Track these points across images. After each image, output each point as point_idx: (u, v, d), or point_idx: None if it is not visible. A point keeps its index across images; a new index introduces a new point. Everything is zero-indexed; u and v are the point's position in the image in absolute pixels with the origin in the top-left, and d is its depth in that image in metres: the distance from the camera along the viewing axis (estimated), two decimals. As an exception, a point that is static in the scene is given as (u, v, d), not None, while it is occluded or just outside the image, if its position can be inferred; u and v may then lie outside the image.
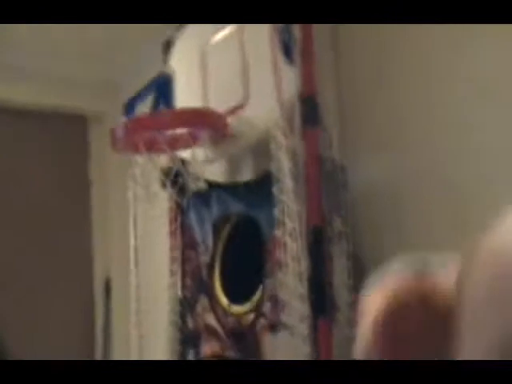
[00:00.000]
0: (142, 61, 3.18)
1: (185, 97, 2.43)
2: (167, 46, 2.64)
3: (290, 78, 1.99)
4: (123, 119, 2.19)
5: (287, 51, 1.96)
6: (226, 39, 2.27)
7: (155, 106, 2.57)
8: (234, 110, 2.19)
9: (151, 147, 2.20)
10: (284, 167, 1.99)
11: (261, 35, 2.07)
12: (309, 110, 1.96)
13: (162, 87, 2.56)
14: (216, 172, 2.40)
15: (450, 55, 1.80)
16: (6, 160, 3.24)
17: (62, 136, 3.38)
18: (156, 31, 2.87)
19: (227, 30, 2.26)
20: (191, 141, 2.20)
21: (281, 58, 1.99)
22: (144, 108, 2.64)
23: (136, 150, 2.21)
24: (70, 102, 3.29)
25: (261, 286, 2.14)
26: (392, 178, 1.98)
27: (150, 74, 2.93)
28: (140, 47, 3.11)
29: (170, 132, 2.23)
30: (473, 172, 1.73)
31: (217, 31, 2.30)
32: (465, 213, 1.73)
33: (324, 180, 1.96)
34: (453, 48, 1.79)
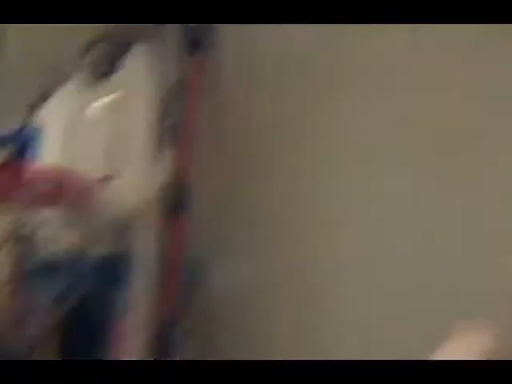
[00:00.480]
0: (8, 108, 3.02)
1: (52, 156, 2.31)
2: (41, 99, 2.52)
3: (165, 160, 1.96)
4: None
5: (165, 132, 1.94)
6: (107, 104, 2.21)
7: (15, 158, 2.41)
8: (102, 179, 2.12)
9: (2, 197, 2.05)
10: (142, 251, 1.93)
11: (142, 109, 2.05)
12: (177, 196, 1.93)
13: (26, 140, 2.42)
14: (70, 238, 2.27)
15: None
16: None
17: None
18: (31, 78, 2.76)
19: (109, 97, 2.20)
20: (50, 201, 2.08)
21: (158, 138, 1.96)
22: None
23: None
24: None
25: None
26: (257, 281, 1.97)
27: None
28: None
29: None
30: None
31: (98, 95, 2.24)
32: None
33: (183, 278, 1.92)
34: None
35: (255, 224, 2.01)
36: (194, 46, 1.99)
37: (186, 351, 1.91)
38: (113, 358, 1.91)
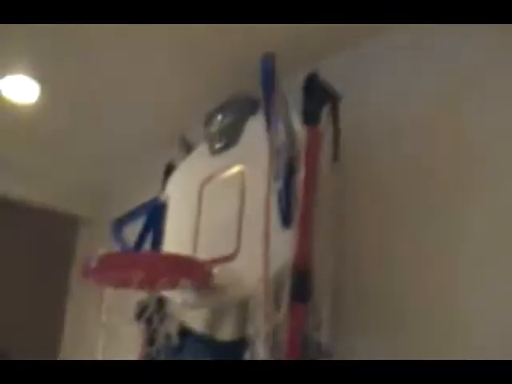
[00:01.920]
0: (143, 173, 3.07)
1: (175, 232, 2.26)
2: (169, 169, 2.50)
3: (285, 243, 1.80)
4: (99, 253, 1.99)
5: (285, 216, 1.78)
6: (226, 181, 2.11)
7: (143, 232, 2.40)
8: (221, 260, 2.01)
9: (125, 283, 2.01)
10: (261, 333, 1.77)
11: (262, 185, 1.91)
12: (299, 284, 1.75)
13: (154, 214, 2.40)
14: (195, 320, 2.18)
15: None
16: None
17: (51, 235, 3.25)
18: (159, 147, 2.77)
19: (229, 172, 2.10)
20: (170, 285, 2.01)
21: (277, 220, 1.80)
22: (132, 229, 2.46)
23: (108, 284, 2.04)
24: (65, 202, 3.18)
25: None
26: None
27: (149, 187, 2.80)
28: (140, 159, 3.01)
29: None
30: None
31: (219, 169, 2.15)
32: None
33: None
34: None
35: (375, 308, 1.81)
36: (312, 118, 1.82)
37: None
38: None
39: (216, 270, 2.01)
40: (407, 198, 1.85)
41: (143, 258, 2.05)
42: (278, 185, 1.78)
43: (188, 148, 2.51)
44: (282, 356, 1.76)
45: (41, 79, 2.55)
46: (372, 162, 1.96)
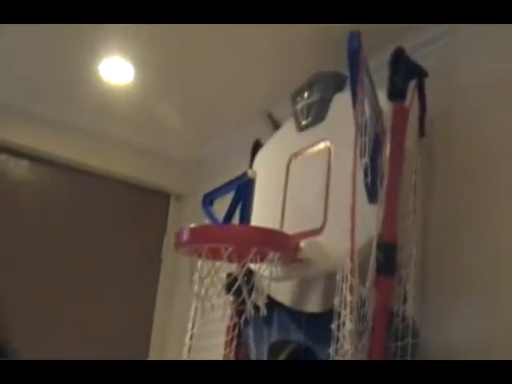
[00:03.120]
0: (231, 148, 3.15)
1: (263, 207, 2.33)
2: (256, 146, 2.57)
3: (371, 217, 1.84)
4: (190, 226, 2.09)
5: (370, 192, 1.81)
6: (312, 156, 2.15)
7: (232, 206, 2.47)
8: (308, 234, 2.06)
9: (216, 255, 2.10)
10: (347, 305, 1.82)
11: (348, 160, 1.94)
12: (385, 257, 1.79)
13: (243, 189, 2.47)
14: (282, 292, 2.25)
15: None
16: (94, 220, 3.29)
17: (144, 208, 3.39)
18: (246, 122, 2.84)
19: (315, 147, 2.15)
20: (258, 258, 2.08)
21: (363, 194, 1.83)
22: (221, 205, 2.54)
23: (199, 256, 2.12)
24: (156, 177, 3.31)
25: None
26: (473, 343, 1.77)
27: (237, 163, 2.88)
28: (229, 135, 3.09)
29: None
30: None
31: (306, 145, 2.20)
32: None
33: (391, 338, 1.77)
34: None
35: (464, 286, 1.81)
36: (398, 94, 1.83)
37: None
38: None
39: (303, 244, 2.07)
40: (495, 174, 1.84)
41: (233, 230, 2.13)
42: (364, 160, 1.81)
43: (275, 124, 2.56)
44: (368, 328, 1.80)
45: (135, 61, 2.66)
46: (458, 138, 1.95)
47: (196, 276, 2.22)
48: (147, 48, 2.57)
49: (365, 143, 1.74)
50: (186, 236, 2.05)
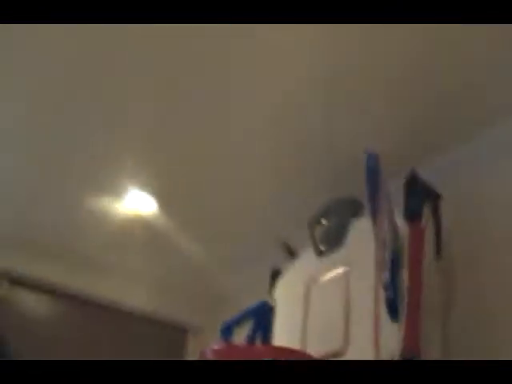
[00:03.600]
0: (247, 279, 3.21)
1: (283, 332, 2.35)
2: (275, 274, 2.63)
3: (393, 335, 1.87)
4: (216, 341, 2.11)
5: (391, 309, 1.85)
6: (332, 281, 2.22)
7: (253, 333, 2.50)
8: (331, 356, 2.07)
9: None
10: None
11: (368, 283, 2.00)
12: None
13: (263, 316, 2.51)
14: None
15: None
16: (110, 355, 3.28)
17: (162, 342, 3.40)
18: (263, 255, 2.93)
19: (335, 272, 2.21)
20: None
21: (384, 312, 1.88)
22: (241, 332, 2.56)
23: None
24: (173, 311, 3.35)
25: None
26: None
27: (253, 293, 2.92)
28: (246, 266, 3.17)
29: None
30: None
31: (325, 270, 2.27)
32: None
33: None
34: None
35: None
36: (414, 215, 1.94)
37: None
38: None
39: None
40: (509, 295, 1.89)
41: (257, 350, 2.14)
42: (385, 279, 1.87)
43: (290, 252, 2.65)
44: None
45: (157, 193, 2.82)
46: (474, 259, 2.02)
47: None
48: (168, 180, 2.73)
49: (384, 262, 1.81)
50: (210, 356, 2.07)
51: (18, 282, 3.21)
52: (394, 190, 2.02)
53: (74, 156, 2.63)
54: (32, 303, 3.27)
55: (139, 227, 3.01)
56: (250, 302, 2.95)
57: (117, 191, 2.81)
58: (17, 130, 2.52)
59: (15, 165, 2.74)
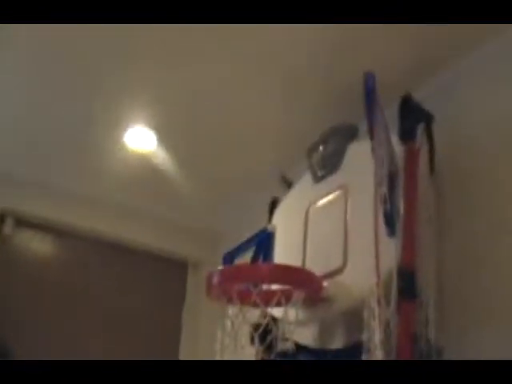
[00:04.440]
0: (245, 214, 3.31)
1: (284, 255, 2.45)
2: (273, 204, 2.73)
3: (390, 249, 1.97)
4: (221, 267, 2.21)
5: (389, 222, 1.96)
6: (330, 203, 2.31)
7: (253, 260, 2.60)
8: (330, 274, 2.18)
9: (244, 299, 2.20)
10: (375, 338, 1.91)
11: (364, 203, 2.09)
12: (406, 283, 1.91)
13: (263, 243, 2.61)
14: (306, 335, 2.34)
15: None
16: (108, 291, 3.39)
17: (162, 277, 3.51)
18: (261, 187, 3.02)
19: (332, 194, 2.31)
20: (284, 299, 2.18)
21: (382, 228, 1.98)
22: (242, 261, 2.67)
23: (229, 299, 2.21)
24: (174, 246, 3.45)
25: None
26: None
27: (252, 227, 3.02)
28: (244, 200, 3.26)
29: (264, 287, 2.22)
30: None
31: (323, 194, 2.36)
32: None
33: (416, 359, 1.87)
34: None
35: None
36: (408, 135, 2.03)
37: None
38: None
39: (325, 284, 2.18)
40: (497, 209, 2.00)
41: (262, 268, 2.25)
42: (383, 190, 1.96)
43: (289, 185, 2.74)
44: (394, 354, 1.90)
45: (157, 129, 2.88)
46: (464, 175, 2.13)
47: (224, 323, 2.31)
48: (170, 116, 2.79)
49: (382, 175, 1.90)
50: (216, 278, 2.17)
51: (22, 221, 3.29)
52: (389, 117, 2.10)
53: (81, 95, 2.69)
54: (36, 243, 3.36)
55: (140, 164, 3.09)
56: (249, 235, 3.05)
57: (119, 128, 2.87)
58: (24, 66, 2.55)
59: (19, 101, 2.78)
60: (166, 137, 2.92)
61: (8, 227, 3.25)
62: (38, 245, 3.36)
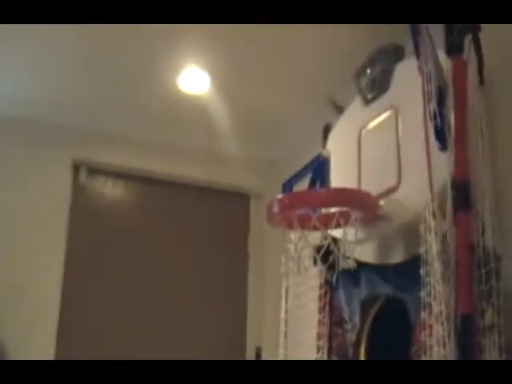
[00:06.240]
0: (301, 142, 3.37)
1: (340, 179, 2.53)
2: (326, 130, 2.78)
3: (443, 163, 2.01)
4: (280, 195, 2.31)
5: (440, 137, 1.99)
6: (381, 124, 2.36)
7: (311, 186, 2.69)
8: (386, 193, 2.25)
9: (304, 224, 2.29)
10: (433, 250, 1.98)
11: (415, 121, 2.13)
12: (461, 194, 1.95)
13: (319, 169, 2.68)
14: (366, 252, 2.43)
15: None
16: (176, 228, 3.55)
17: (226, 210, 3.66)
18: (315, 115, 3.07)
19: (383, 115, 2.35)
20: (343, 220, 2.26)
21: (434, 143, 2.02)
22: (300, 187, 2.76)
23: (290, 225, 2.32)
24: (236, 180, 3.58)
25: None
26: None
27: (308, 155, 3.09)
28: (299, 129, 3.32)
29: (323, 210, 2.31)
30: None
31: (373, 116, 2.40)
32: None
33: (475, 267, 1.93)
34: None
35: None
36: (455, 49, 2.03)
37: (490, 349, 1.90)
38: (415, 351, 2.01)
39: (382, 202, 2.25)
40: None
41: (320, 193, 2.34)
42: (432, 106, 1.99)
43: (339, 109, 2.78)
44: (453, 264, 1.96)
45: (210, 70, 2.96)
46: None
47: (287, 248, 2.41)
48: (222, 57, 2.86)
49: (431, 91, 1.93)
50: (277, 206, 2.26)
51: (94, 170, 3.51)
52: (435, 33, 2.10)
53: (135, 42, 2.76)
54: (108, 189, 3.57)
55: (195, 106, 3.18)
56: (305, 163, 3.13)
57: (173, 70, 2.95)
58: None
59: (84, 51, 2.88)
60: (219, 78, 3.01)
61: (82, 177, 3.46)
62: (110, 190, 3.55)
